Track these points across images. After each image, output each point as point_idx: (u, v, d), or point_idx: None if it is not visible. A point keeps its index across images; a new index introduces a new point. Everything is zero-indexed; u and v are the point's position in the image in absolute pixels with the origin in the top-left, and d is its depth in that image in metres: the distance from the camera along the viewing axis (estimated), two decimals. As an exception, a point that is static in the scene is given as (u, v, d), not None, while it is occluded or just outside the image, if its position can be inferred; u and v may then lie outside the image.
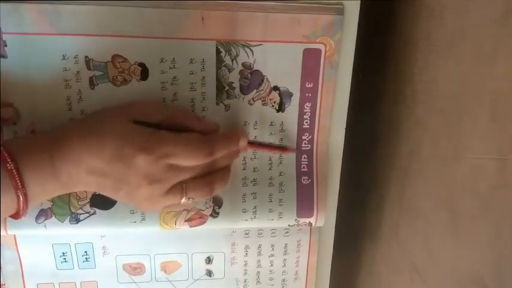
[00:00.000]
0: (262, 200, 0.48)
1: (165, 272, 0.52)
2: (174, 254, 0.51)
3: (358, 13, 0.44)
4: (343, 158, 0.50)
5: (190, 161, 0.38)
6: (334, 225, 0.52)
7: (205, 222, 0.48)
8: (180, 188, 0.39)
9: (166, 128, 0.39)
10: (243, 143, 0.42)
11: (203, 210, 0.47)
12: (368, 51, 0.55)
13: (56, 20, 0.40)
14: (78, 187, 0.38)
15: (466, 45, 0.40)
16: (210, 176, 0.41)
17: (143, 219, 0.46)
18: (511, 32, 0.34)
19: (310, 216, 0.49)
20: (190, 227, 0.48)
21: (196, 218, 0.48)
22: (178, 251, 0.51)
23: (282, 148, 0.47)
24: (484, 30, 0.37)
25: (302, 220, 0.49)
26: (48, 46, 0.41)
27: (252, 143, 0.45)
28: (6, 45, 0.40)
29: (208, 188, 0.40)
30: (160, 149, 0.37)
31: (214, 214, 0.48)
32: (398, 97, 0.53)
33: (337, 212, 0.52)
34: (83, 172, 0.36)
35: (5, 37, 0.40)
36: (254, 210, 0.48)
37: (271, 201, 0.48)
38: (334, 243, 0.53)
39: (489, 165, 0.37)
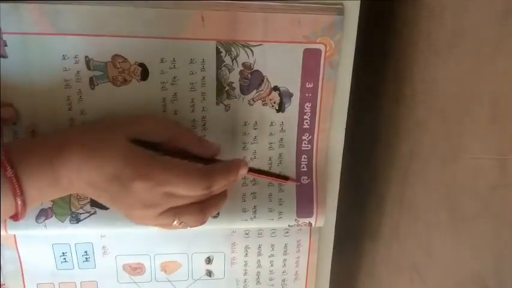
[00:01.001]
0: (262, 200, 0.48)
1: (165, 272, 0.52)
2: (174, 254, 0.51)
3: (358, 13, 0.44)
4: (343, 158, 0.50)
5: (187, 192, 0.38)
6: (334, 226, 0.52)
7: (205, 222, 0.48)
8: (173, 212, 0.39)
9: (167, 150, 0.39)
10: (243, 172, 0.41)
11: None
12: (368, 51, 0.55)
13: (56, 20, 0.40)
14: (77, 191, 0.38)
15: (466, 45, 0.40)
16: (205, 203, 0.40)
17: None
18: (511, 32, 0.34)
19: (310, 216, 0.49)
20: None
21: None
22: (178, 251, 0.51)
23: (283, 178, 0.46)
24: (484, 30, 0.37)
25: (302, 220, 0.49)
26: (48, 46, 0.41)
27: (253, 170, 0.44)
28: (6, 45, 0.40)
29: (202, 214, 0.40)
30: (159, 177, 0.36)
31: (214, 214, 0.48)
32: (399, 97, 0.53)
33: (337, 212, 0.52)
34: (83, 182, 0.36)
35: (5, 37, 0.40)
36: (254, 210, 0.48)
37: (271, 201, 0.48)
38: (334, 244, 0.53)
39: (489, 165, 0.37)
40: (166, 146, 0.39)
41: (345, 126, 0.48)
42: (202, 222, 0.41)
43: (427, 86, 0.47)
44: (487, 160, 0.37)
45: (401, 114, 0.52)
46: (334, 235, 0.53)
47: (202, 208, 0.40)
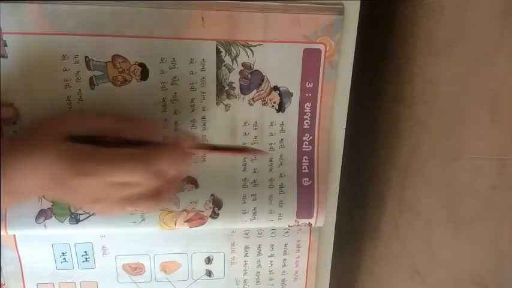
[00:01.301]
0: (262, 202, 0.48)
1: (165, 272, 0.52)
2: (174, 254, 0.51)
3: (358, 13, 0.44)
4: (343, 158, 0.50)
5: (130, 178, 0.37)
6: (334, 225, 0.52)
7: (205, 223, 0.48)
8: (127, 200, 0.38)
9: (110, 141, 0.38)
10: (189, 148, 0.40)
11: (203, 212, 0.47)
12: (368, 51, 0.55)
13: (56, 20, 0.40)
14: (32, 194, 0.38)
15: (466, 45, 0.40)
16: (157, 188, 0.39)
17: (143, 220, 0.46)
18: (511, 31, 0.34)
19: (310, 217, 0.49)
20: (190, 227, 0.48)
21: (195, 219, 0.48)
22: (178, 251, 0.51)
23: (241, 150, 0.45)
24: (484, 30, 0.37)
25: (302, 221, 0.49)
26: (48, 46, 0.40)
27: (205, 147, 0.43)
28: (6, 45, 0.40)
29: (155, 200, 0.39)
30: (96, 170, 0.36)
31: (214, 215, 0.48)
32: (398, 97, 0.53)
33: (337, 212, 0.52)
34: (27, 186, 0.36)
35: (5, 37, 0.40)
36: (254, 211, 0.48)
37: (271, 203, 0.48)
38: (334, 243, 0.53)
39: (489, 165, 0.37)
40: (108, 137, 0.38)
41: (345, 126, 0.48)
42: (157, 207, 0.41)
43: (427, 86, 0.47)
44: (487, 160, 0.37)
45: (401, 114, 0.52)
46: (334, 235, 0.53)
47: (154, 193, 0.39)
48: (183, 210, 0.47)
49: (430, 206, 0.47)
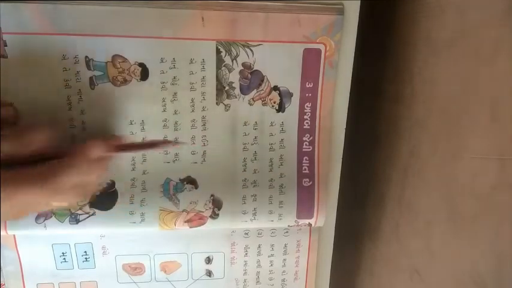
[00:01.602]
0: (262, 202, 0.48)
1: (165, 272, 0.52)
2: (174, 254, 0.51)
3: (358, 13, 0.44)
4: (343, 158, 0.50)
5: (39, 198, 0.35)
6: (334, 225, 0.52)
7: (205, 223, 0.48)
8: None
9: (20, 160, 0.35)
10: (94, 153, 0.38)
11: (203, 212, 0.47)
12: (368, 51, 0.55)
13: (56, 19, 0.40)
14: None
15: (466, 45, 0.40)
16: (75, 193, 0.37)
17: (143, 220, 0.46)
18: (511, 32, 0.34)
19: (310, 217, 0.49)
20: (190, 227, 0.48)
21: (195, 219, 0.48)
22: (178, 251, 0.51)
23: (151, 144, 0.44)
24: (484, 30, 0.37)
25: (302, 221, 0.49)
26: (48, 46, 0.40)
27: (133, 146, 0.42)
28: (6, 45, 0.40)
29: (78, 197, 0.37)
30: (5, 191, 0.33)
31: (214, 215, 0.48)
32: (398, 97, 0.53)
33: (337, 212, 0.52)
34: None
35: (5, 37, 0.40)
36: (254, 212, 0.48)
37: (271, 203, 0.48)
38: (334, 243, 0.53)
39: (489, 165, 0.37)
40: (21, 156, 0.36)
41: (345, 126, 0.48)
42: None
43: (427, 86, 0.47)
44: (487, 160, 0.37)
45: (401, 114, 0.52)
46: (334, 235, 0.53)
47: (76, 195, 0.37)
48: (183, 211, 0.47)
49: (430, 206, 0.47)
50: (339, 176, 0.50)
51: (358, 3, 0.44)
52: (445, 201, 0.44)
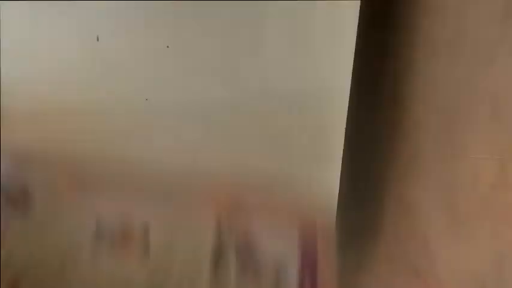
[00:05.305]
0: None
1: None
2: None
3: (358, 13, 0.44)
4: (343, 158, 0.49)
5: None
6: (334, 225, 0.52)
7: None
8: None
9: None
10: None
11: None
12: (368, 51, 0.55)
13: None
14: None
15: (466, 45, 0.40)
16: None
17: None
18: (511, 32, 0.34)
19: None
20: None
21: None
22: None
23: None
24: (484, 30, 0.37)
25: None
26: None
27: None
28: None
29: None
30: None
31: None
32: (398, 97, 0.53)
33: (337, 212, 0.51)
34: None
35: None
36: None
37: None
38: (334, 243, 0.53)
39: (489, 165, 0.37)
40: None
41: (344, 126, 0.48)
42: None
43: (427, 86, 0.47)
44: (487, 160, 0.37)
45: (401, 114, 0.52)
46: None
47: None
48: None
49: (430, 206, 0.47)
50: (339, 175, 0.50)
51: (358, 3, 0.43)
52: (445, 201, 0.44)
